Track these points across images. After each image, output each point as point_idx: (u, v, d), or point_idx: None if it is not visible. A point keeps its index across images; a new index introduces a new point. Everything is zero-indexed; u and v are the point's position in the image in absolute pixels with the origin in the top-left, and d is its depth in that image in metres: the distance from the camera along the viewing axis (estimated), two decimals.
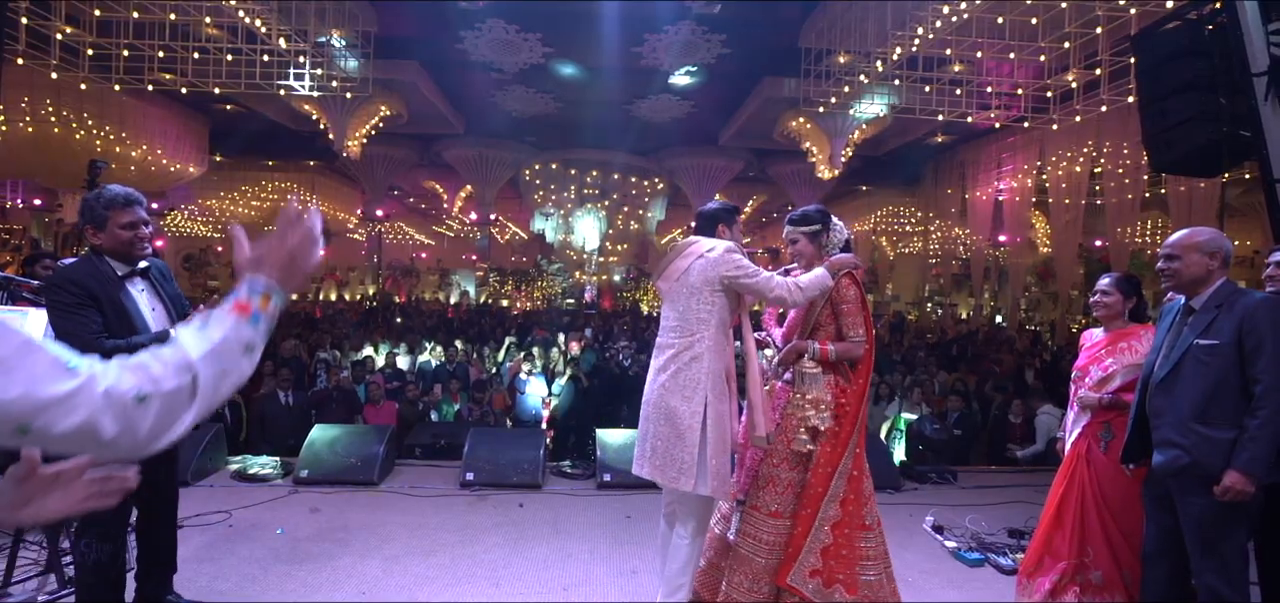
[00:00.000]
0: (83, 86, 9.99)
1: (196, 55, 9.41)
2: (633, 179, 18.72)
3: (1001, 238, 16.24)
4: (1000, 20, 8.47)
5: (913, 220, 20.74)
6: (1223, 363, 2.28)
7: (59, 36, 8.58)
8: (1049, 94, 9.90)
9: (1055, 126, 10.66)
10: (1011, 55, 9.08)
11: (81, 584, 2.52)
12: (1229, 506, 2.27)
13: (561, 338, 10.13)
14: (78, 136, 11.33)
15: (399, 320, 13.96)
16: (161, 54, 9.26)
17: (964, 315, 19.67)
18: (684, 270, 2.68)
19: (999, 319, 18.03)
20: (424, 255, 28.56)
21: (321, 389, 7.11)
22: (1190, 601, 2.47)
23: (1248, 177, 12.05)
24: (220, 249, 23.28)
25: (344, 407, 6.61)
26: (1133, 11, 7.45)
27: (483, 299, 20.92)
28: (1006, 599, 3.27)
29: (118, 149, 11.96)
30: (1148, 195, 12.82)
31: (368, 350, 9.44)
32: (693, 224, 2.99)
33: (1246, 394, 2.26)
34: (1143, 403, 2.55)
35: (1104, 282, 3.09)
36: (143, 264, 2.58)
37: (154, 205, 16.80)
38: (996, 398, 7.57)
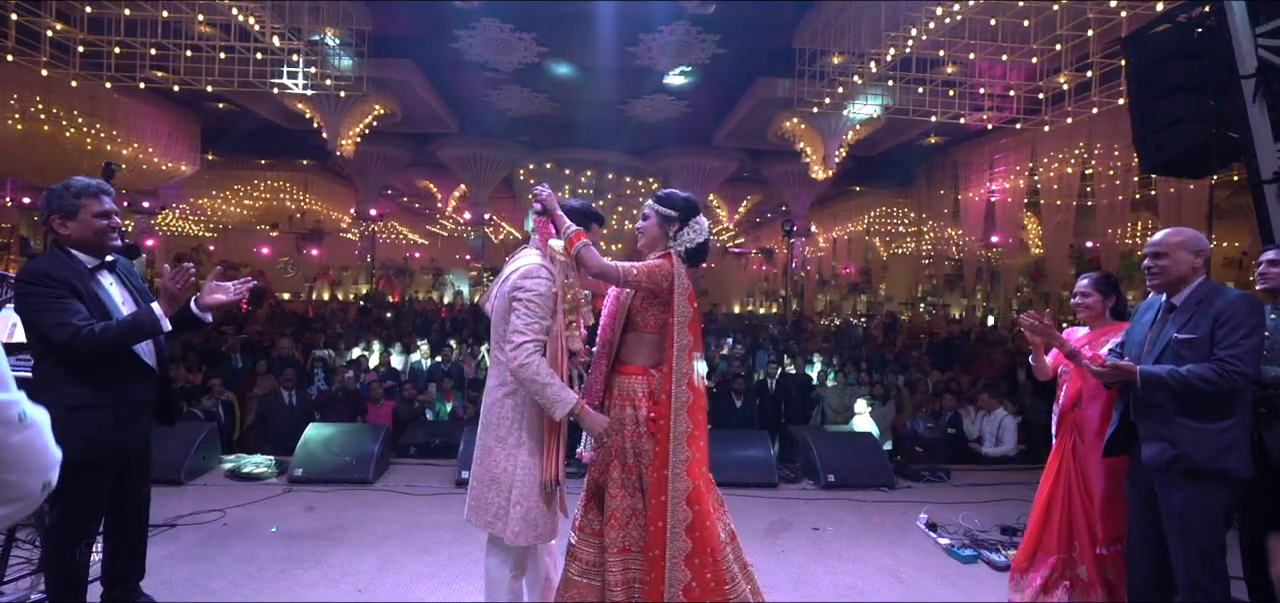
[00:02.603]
0: (74, 84, 9.92)
1: (189, 53, 9.36)
2: (627, 179, 18.75)
3: (994, 238, 16.37)
4: (993, 22, 8.53)
5: (906, 221, 20.87)
6: (1201, 356, 2.32)
7: (50, 33, 8.52)
8: (1041, 95, 9.98)
9: (1047, 128, 10.75)
10: (1004, 57, 9.15)
11: (50, 584, 2.45)
12: (1210, 498, 2.31)
13: None
14: (68, 134, 11.26)
15: (388, 316, 13.94)
16: (154, 52, 9.21)
17: (956, 316, 19.80)
18: (496, 292, 2.33)
19: (991, 320, 18.15)
20: (418, 255, 28.49)
21: (326, 390, 7.11)
22: (1173, 593, 2.50)
23: (1235, 179, 12.18)
24: (211, 249, 23.15)
25: (348, 407, 6.62)
26: (1124, 14, 7.52)
27: (476, 299, 20.88)
28: (999, 596, 3.30)
29: (109, 147, 11.88)
30: (1138, 197, 12.94)
31: (360, 350, 9.41)
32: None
33: None
34: (1127, 399, 2.58)
35: (1082, 283, 3.11)
36: (109, 257, 2.55)
37: (145, 204, 16.69)
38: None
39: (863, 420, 7.20)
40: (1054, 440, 3.12)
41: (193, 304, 2.53)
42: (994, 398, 6.74)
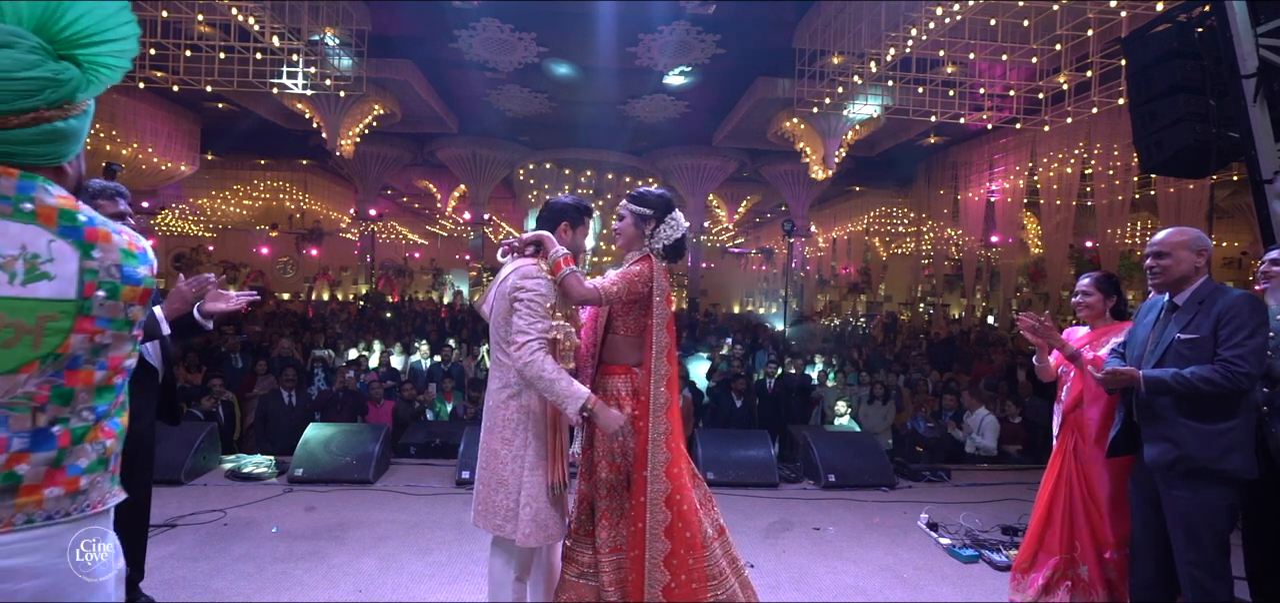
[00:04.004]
0: None
1: (188, 53, 9.36)
2: (627, 179, 18.75)
3: (993, 238, 16.37)
4: (993, 22, 8.54)
5: (906, 221, 20.89)
6: (1203, 356, 2.32)
7: None
8: (1041, 96, 9.99)
9: (1046, 128, 10.75)
10: (1004, 57, 9.15)
11: None
12: (1214, 498, 2.30)
13: None
14: None
15: (388, 316, 13.94)
16: (153, 52, 9.20)
17: (956, 316, 19.81)
18: (495, 294, 2.38)
19: (991, 320, 18.17)
20: (417, 255, 28.48)
21: (326, 390, 7.11)
22: (1176, 592, 2.50)
23: (1235, 179, 12.21)
24: (211, 249, 23.14)
25: (348, 407, 6.62)
26: (1124, 14, 7.53)
27: (474, 298, 20.87)
28: (1000, 596, 3.30)
29: (108, 147, 11.88)
30: (1137, 196, 12.95)
31: (356, 352, 9.39)
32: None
33: None
34: (1130, 399, 2.58)
35: (1084, 281, 3.11)
36: None
37: (144, 204, 16.69)
38: (988, 396, 7.62)
39: (843, 423, 7.15)
40: (1056, 441, 3.12)
41: (195, 310, 2.56)
42: (975, 396, 6.75)
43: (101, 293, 1.08)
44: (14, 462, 1.02)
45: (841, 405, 7.29)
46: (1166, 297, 2.53)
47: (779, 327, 15.41)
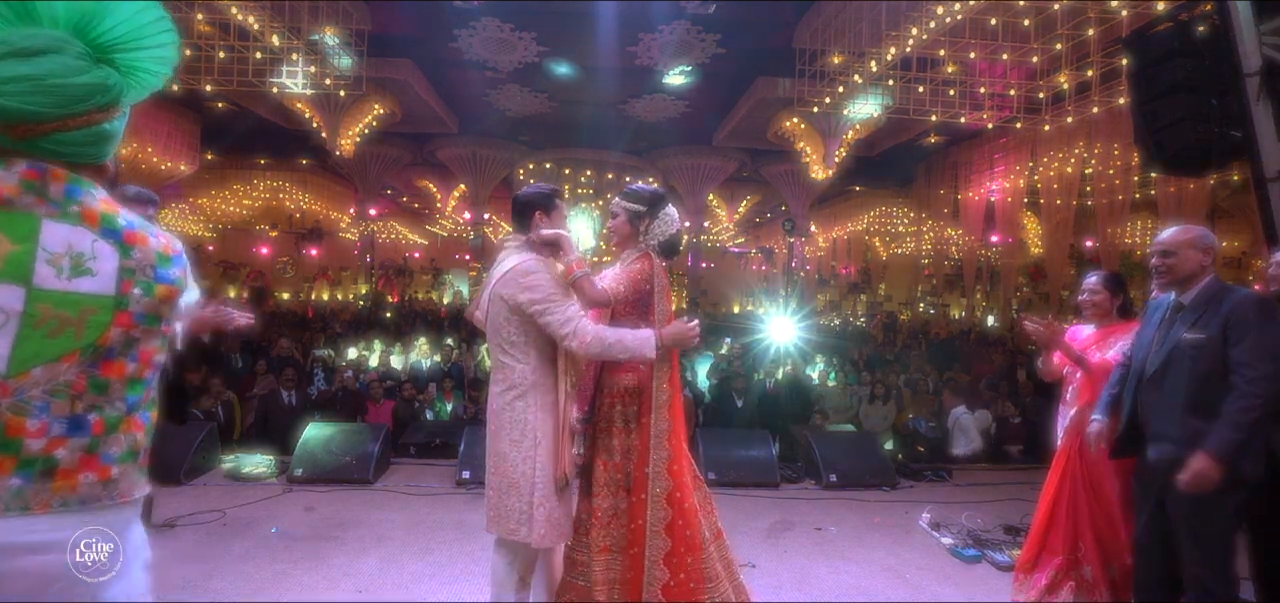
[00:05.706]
0: None
1: (188, 52, 9.33)
2: (627, 179, 18.72)
3: (994, 238, 16.37)
4: (993, 22, 8.53)
5: (906, 221, 20.87)
6: (1210, 356, 2.30)
7: None
8: (1041, 95, 9.98)
9: (1046, 128, 10.75)
10: (1004, 56, 9.14)
11: None
12: (1219, 499, 2.28)
13: None
14: None
15: (388, 316, 13.93)
16: None
17: (956, 316, 19.82)
18: (488, 296, 2.35)
19: (991, 320, 18.16)
20: (417, 255, 28.46)
21: (326, 390, 7.10)
22: (1180, 592, 2.49)
23: (1235, 179, 12.20)
24: (211, 249, 23.13)
25: (348, 407, 6.61)
26: (1124, 13, 7.52)
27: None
28: (1003, 596, 3.29)
29: None
30: (1138, 196, 12.95)
31: (356, 352, 9.37)
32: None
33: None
34: (1135, 399, 2.56)
35: (1091, 279, 3.09)
36: None
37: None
38: (989, 395, 7.62)
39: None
40: (1060, 441, 3.11)
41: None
42: (955, 394, 6.72)
43: (137, 290, 1.16)
44: (53, 446, 1.08)
45: (830, 414, 7.27)
46: (1172, 296, 2.51)
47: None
